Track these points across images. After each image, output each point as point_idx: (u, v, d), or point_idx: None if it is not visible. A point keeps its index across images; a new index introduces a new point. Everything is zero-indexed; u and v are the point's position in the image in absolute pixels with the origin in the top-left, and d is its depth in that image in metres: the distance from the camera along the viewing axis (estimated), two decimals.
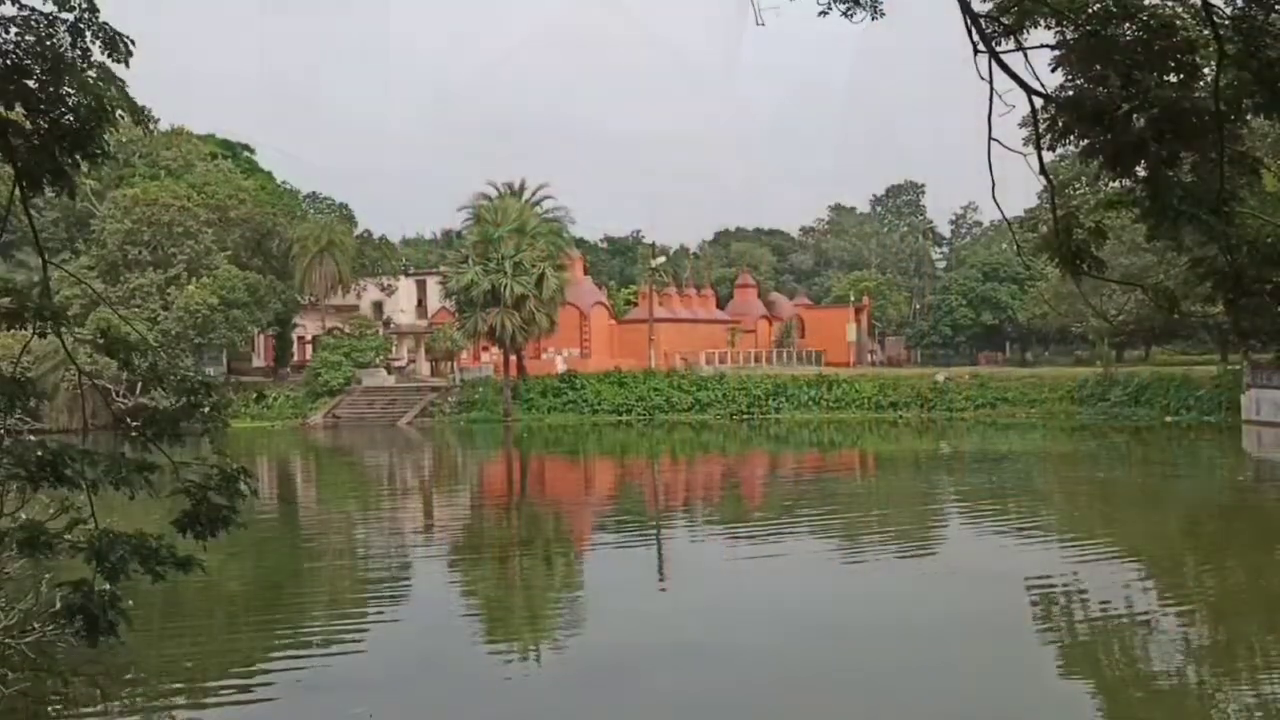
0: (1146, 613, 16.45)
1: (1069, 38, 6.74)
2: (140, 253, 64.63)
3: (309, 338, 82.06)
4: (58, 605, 13.46)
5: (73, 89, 7.29)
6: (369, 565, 22.46)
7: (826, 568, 20.39)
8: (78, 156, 7.39)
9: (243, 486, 7.86)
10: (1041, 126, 6.84)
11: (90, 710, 12.63)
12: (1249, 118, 6.90)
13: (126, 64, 7.56)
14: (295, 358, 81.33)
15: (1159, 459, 41.08)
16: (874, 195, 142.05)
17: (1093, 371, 63.33)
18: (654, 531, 25.91)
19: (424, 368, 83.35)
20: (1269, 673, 13.41)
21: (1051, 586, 18.34)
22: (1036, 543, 22.73)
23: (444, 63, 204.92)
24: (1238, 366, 54.88)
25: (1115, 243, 53.02)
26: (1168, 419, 55.49)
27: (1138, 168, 6.66)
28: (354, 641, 15.62)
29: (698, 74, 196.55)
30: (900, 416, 61.86)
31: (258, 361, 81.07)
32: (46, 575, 13.81)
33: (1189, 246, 7.18)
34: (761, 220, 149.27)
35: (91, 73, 7.36)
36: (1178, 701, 12.52)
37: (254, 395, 65.58)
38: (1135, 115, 6.49)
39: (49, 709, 12.49)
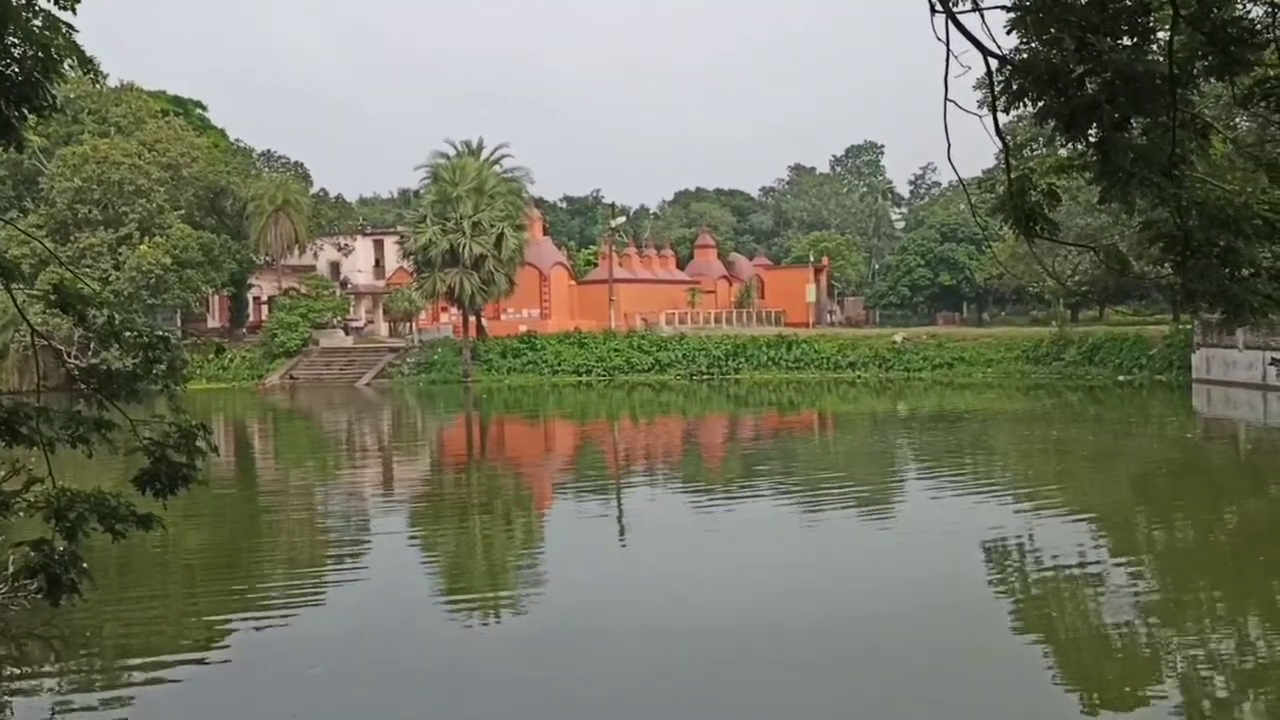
0: (1098, 567, 16.80)
1: (1025, 0, 6.80)
2: (90, 211, 63.61)
3: (265, 298, 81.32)
4: (10, 568, 13.43)
5: (18, 39, 7.12)
6: (328, 526, 22.43)
7: (787, 527, 20.60)
8: (24, 109, 7.24)
9: (201, 444, 7.84)
10: (997, 89, 6.90)
11: (46, 672, 12.60)
12: (1200, 81, 7.00)
13: (74, 10, 7.40)
14: (251, 319, 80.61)
15: (1112, 417, 41.73)
16: (834, 156, 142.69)
17: (1048, 332, 64.06)
18: (614, 492, 26.04)
19: (382, 328, 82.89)
20: (1216, 627, 13.78)
21: (1006, 543, 18.67)
22: (992, 500, 23.08)
23: (406, 16, 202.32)
24: (1189, 326, 55.74)
25: (1071, 204, 53.53)
26: (1121, 378, 56.31)
27: (1090, 130, 6.74)
28: (312, 603, 15.65)
29: (657, 26, 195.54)
30: (859, 376, 62.33)
31: (213, 323, 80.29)
32: None
33: (1141, 209, 7.28)
34: (721, 180, 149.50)
35: (37, 21, 7.21)
36: (1129, 655, 12.84)
37: (213, 349, 64.80)
38: (1089, 78, 6.57)
39: (3, 672, 12.44)
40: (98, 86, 66.18)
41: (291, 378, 68.02)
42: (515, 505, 25.02)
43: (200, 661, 13.03)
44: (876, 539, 19.44)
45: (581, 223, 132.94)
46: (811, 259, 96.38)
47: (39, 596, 7.39)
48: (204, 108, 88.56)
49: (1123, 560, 17.60)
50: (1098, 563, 17.25)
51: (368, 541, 20.73)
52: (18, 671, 12.52)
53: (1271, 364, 47.75)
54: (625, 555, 18.91)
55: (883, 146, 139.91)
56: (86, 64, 7.52)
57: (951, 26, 6.80)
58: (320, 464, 33.64)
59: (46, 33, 7.19)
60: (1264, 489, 25.70)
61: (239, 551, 19.74)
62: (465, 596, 15.99)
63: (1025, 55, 6.83)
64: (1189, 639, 13.11)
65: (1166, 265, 7.15)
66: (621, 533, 20.79)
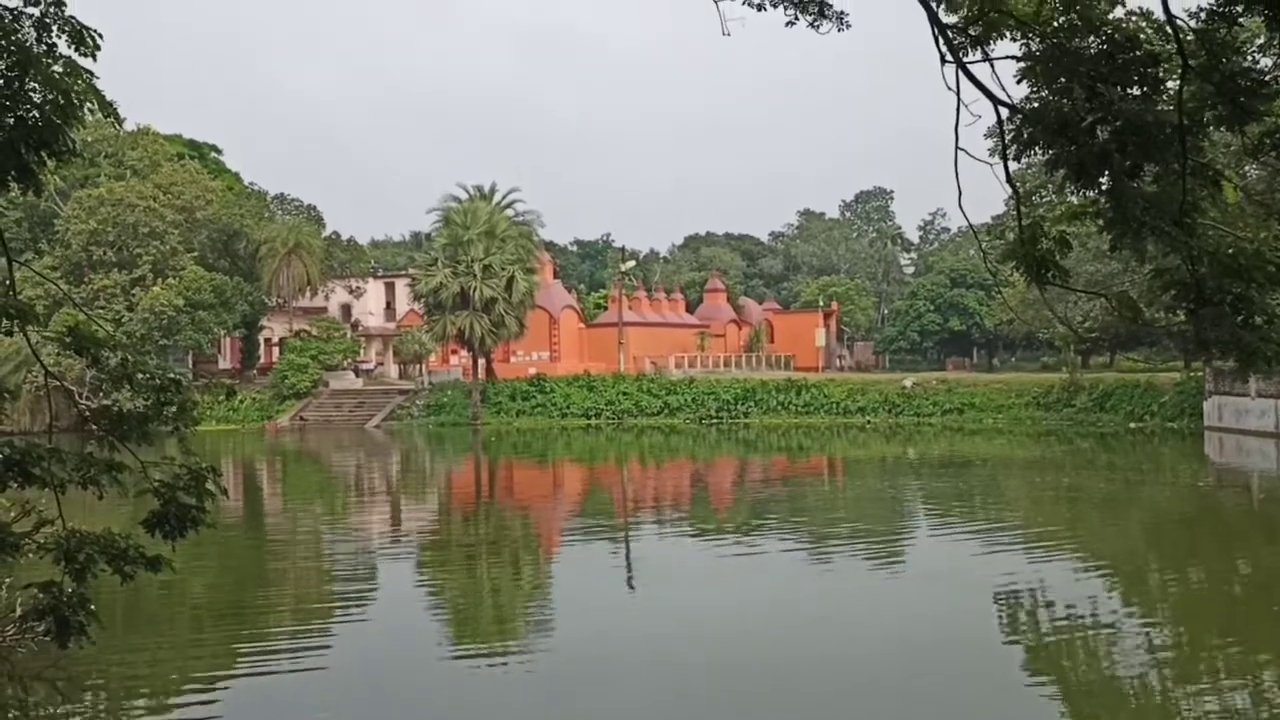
0: (1111, 616, 16.64)
1: (1035, 50, 6.85)
2: (105, 253, 64.06)
3: (276, 340, 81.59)
4: (17, 610, 13.38)
5: (39, 84, 7.18)
6: (335, 569, 22.34)
7: (795, 572, 20.47)
8: (44, 154, 7.29)
9: (210, 486, 7.83)
10: (1007, 137, 6.94)
11: (51, 715, 12.51)
12: (1210, 130, 7.03)
13: (94, 58, 7.46)
14: (262, 360, 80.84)
15: (1123, 465, 41.50)
16: (843, 201, 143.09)
17: (1059, 378, 63.92)
18: (623, 536, 25.94)
19: (392, 370, 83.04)
20: (1230, 678, 13.60)
21: (1017, 590, 18.50)
22: (1002, 547, 22.90)
23: (414, 58, 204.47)
24: (1200, 373, 55.54)
25: (1081, 250, 53.51)
26: (1132, 425, 56.08)
27: (1101, 179, 6.76)
28: (319, 648, 15.54)
29: (668, 72, 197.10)
30: (868, 421, 62.16)
31: (224, 364, 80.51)
32: (6, 580, 13.69)
33: (1152, 256, 7.29)
34: (731, 225, 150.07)
35: (58, 67, 7.26)
36: (1141, 706, 12.67)
37: (224, 391, 65.02)
38: (1099, 127, 6.59)
39: (8, 715, 12.36)
40: (116, 130, 66.88)
41: (301, 419, 68.06)
42: (523, 549, 24.91)
43: (205, 704, 12.93)
44: (886, 585, 19.29)
45: (592, 266, 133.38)
46: (821, 303, 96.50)
47: (46, 638, 7.36)
48: (219, 151, 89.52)
49: (1135, 609, 17.43)
50: (1110, 612, 17.08)
51: (374, 586, 20.63)
52: (22, 715, 12.43)
53: None
54: (634, 599, 18.79)
55: (892, 192, 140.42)
56: (107, 108, 7.54)
57: (962, 76, 6.85)
58: (328, 507, 33.58)
59: (67, 78, 7.24)
60: (1278, 538, 25.48)
61: (245, 595, 19.66)
62: (472, 643, 15.87)
63: (1035, 104, 6.88)
64: (1203, 690, 12.94)
65: (1178, 313, 7.15)
66: (630, 577, 20.67)
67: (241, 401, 69.08)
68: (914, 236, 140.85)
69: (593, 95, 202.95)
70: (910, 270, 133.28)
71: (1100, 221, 7.06)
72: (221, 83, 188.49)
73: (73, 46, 7.36)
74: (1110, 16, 6.89)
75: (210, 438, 57.10)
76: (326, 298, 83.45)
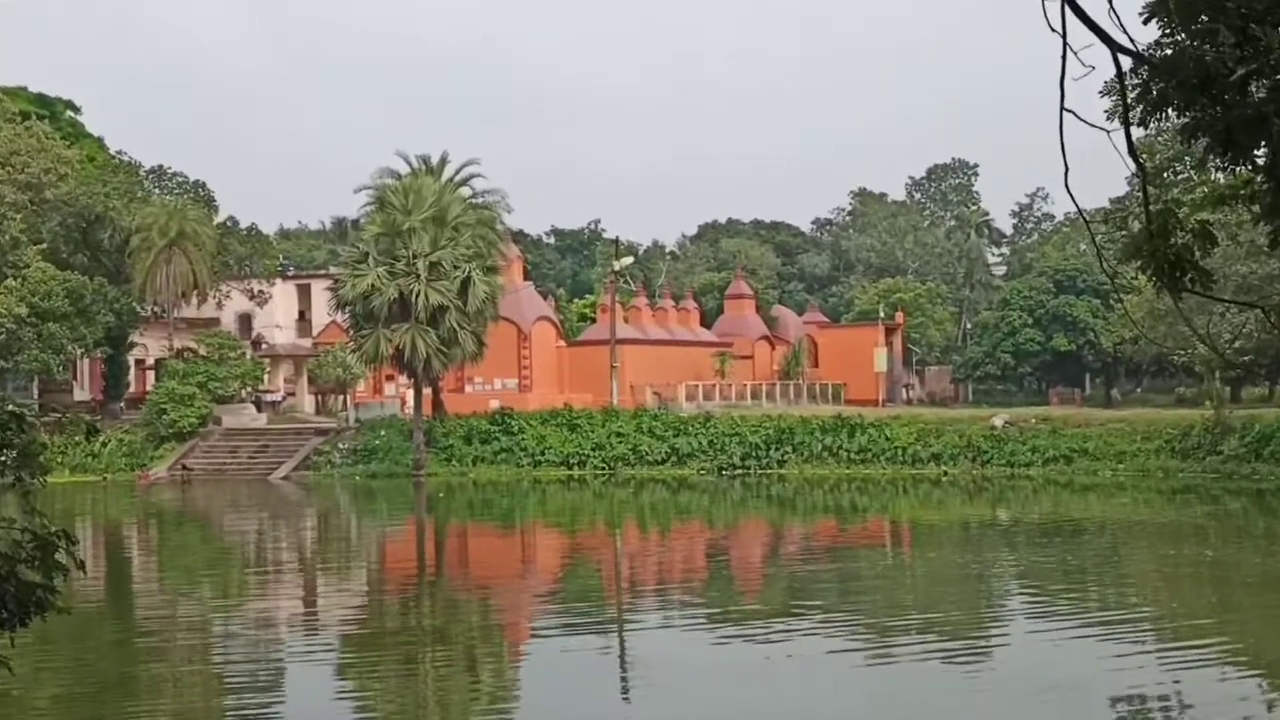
0: None
1: None
2: None
3: (151, 362, 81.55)
4: None
5: None
6: (229, 674, 22.27)
7: (845, 675, 20.41)
8: None
9: (63, 557, 7.81)
10: (1130, 95, 6.96)
11: None
12: None
13: None
14: (132, 389, 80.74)
15: None
16: (911, 178, 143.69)
17: (1200, 415, 63.79)
18: (615, 625, 25.84)
19: (307, 403, 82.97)
20: None
21: (1145, 701, 18.46)
22: (1125, 644, 22.85)
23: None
24: None
25: (1230, 246, 53.77)
26: None
27: (1257, 151, 6.77)
28: None
29: (677, 11, 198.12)
30: (945, 473, 62.09)
31: (81, 393, 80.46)
32: None
33: None
34: (762, 211, 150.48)
35: None
36: None
37: (82, 430, 64.86)
38: (1253, 81, 6.61)
39: None
40: None
41: (184, 468, 67.98)
42: (481, 644, 24.83)
43: None
44: (966, 693, 19.24)
45: (575, 264, 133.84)
46: (882, 315, 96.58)
47: None
48: (76, 109, 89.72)
49: None
50: None
51: (280, 698, 20.56)
52: None
53: None
54: (630, 712, 18.73)
55: (976, 166, 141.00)
56: None
57: (1069, 13, 6.87)
58: (220, 588, 33.51)
59: None
60: None
61: (108, 710, 19.56)
62: None
63: (1168, 51, 6.89)
64: None
65: None
66: (625, 683, 20.61)
67: (105, 444, 68.92)
68: (1005, 225, 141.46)
69: (577, 43, 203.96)
70: (1001, 271, 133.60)
71: (1255, 208, 7.07)
72: (81, 15, 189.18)
73: None
74: None
75: (63, 492, 56.95)
76: (219, 305, 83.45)
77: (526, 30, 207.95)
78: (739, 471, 64.46)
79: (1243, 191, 7.21)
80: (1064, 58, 6.97)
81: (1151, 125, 7.12)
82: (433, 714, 19.06)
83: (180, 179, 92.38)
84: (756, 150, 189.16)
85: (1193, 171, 52.14)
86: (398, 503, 56.32)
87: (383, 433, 69.48)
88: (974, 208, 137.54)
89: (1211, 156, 6.96)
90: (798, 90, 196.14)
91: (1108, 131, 7.30)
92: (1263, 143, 6.74)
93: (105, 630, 25.98)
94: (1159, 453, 61.63)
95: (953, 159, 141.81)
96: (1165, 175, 54.01)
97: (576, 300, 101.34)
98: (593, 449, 66.99)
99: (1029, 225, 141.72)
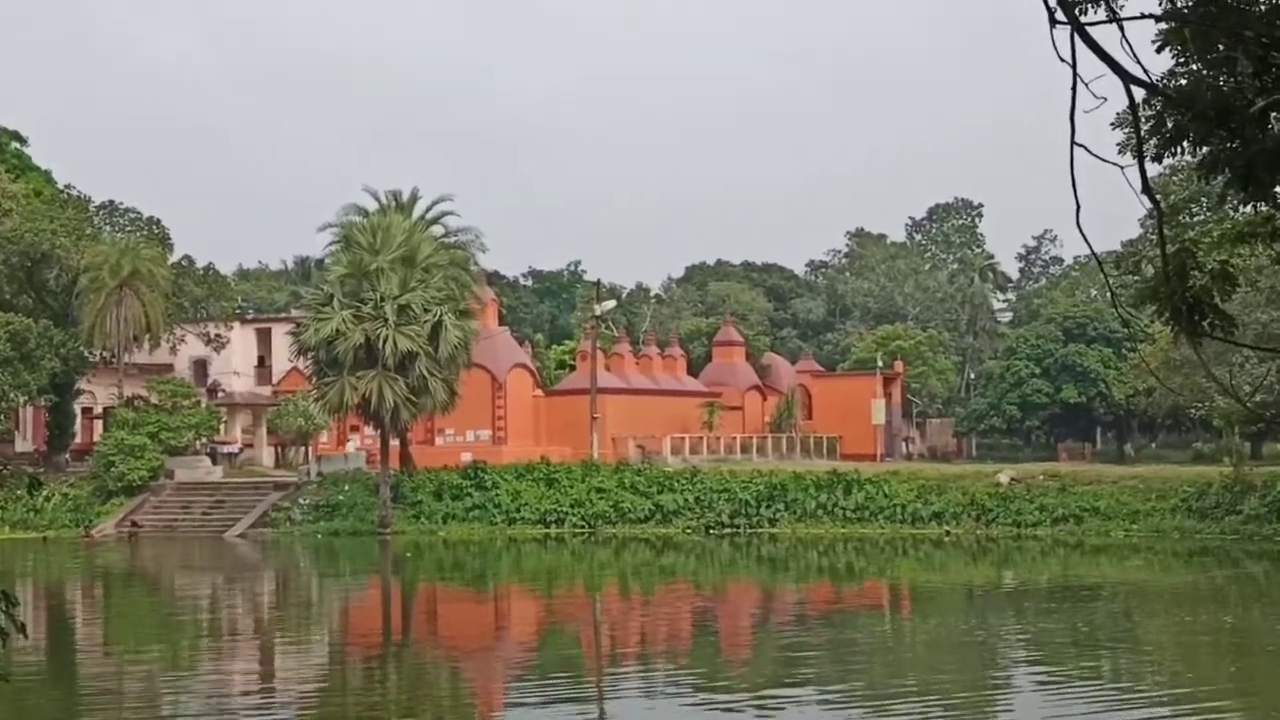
0: None
1: (1181, 6, 6.90)
2: None
3: (99, 410, 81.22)
4: None
5: None
6: None
7: None
8: None
9: (1, 619, 7.72)
10: (1144, 128, 6.96)
11: None
12: None
13: None
14: (78, 439, 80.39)
15: None
16: (911, 219, 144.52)
17: (1219, 472, 63.87)
18: (595, 697, 25.72)
19: (265, 455, 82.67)
20: None
21: None
22: (1140, 716, 22.81)
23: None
24: None
25: (1249, 293, 53.96)
26: None
27: (1277, 187, 6.78)
28: None
29: (663, 37, 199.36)
30: (947, 533, 62.06)
31: (23, 444, 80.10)
32: None
33: None
34: (753, 252, 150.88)
35: None
36: None
37: (24, 484, 64.42)
38: (1273, 113, 6.62)
39: None
40: None
41: (134, 525, 67.63)
42: (452, 716, 24.72)
43: None
44: None
45: (554, 308, 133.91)
46: (880, 364, 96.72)
47: None
48: (22, 140, 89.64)
49: None
50: None
51: None
52: None
53: None
54: None
55: (981, 206, 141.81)
56: None
57: (1080, 42, 6.88)
58: (170, 655, 33.27)
59: None
60: None
61: None
62: None
63: (1183, 81, 6.90)
64: None
65: None
66: None
67: (48, 499, 68.60)
68: (1011, 269, 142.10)
69: (560, 74, 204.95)
70: (1007, 317, 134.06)
71: (1276, 247, 7.07)
72: (28, 41, 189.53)
73: None
74: None
75: (2, 550, 56.64)
76: (173, 350, 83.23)
77: (503, 64, 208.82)
78: (728, 530, 64.31)
79: (1263, 229, 7.21)
80: (1074, 89, 6.97)
81: (1166, 161, 7.11)
82: None
83: (133, 215, 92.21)
84: (747, 188, 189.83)
85: (1211, 210, 52.37)
86: (362, 563, 56.06)
87: (346, 487, 69.19)
88: (978, 250, 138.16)
89: (1231, 193, 6.96)
90: (792, 127, 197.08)
91: (1121, 167, 7.28)
92: None
93: (45, 700, 25.73)
94: (1175, 512, 61.61)
95: (955, 198, 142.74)
96: (1182, 215, 54.25)
97: (555, 346, 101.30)
98: (571, 506, 66.77)
99: (1036, 269, 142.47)
